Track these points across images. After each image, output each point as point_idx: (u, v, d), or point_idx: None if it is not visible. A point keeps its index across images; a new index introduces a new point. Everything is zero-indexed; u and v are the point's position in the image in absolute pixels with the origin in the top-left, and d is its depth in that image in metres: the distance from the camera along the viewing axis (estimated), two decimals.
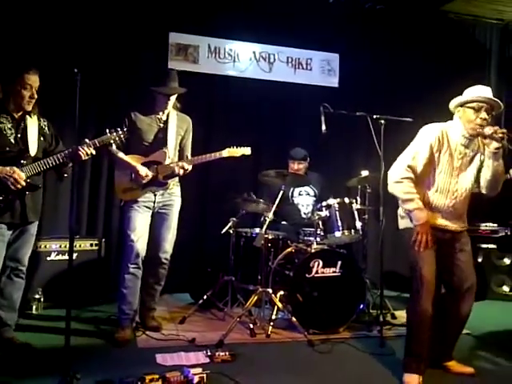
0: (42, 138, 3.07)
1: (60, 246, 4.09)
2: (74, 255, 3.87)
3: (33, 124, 3.04)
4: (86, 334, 3.41)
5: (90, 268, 4.18)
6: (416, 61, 5.39)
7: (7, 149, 2.90)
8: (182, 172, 3.38)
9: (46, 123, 3.14)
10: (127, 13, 4.64)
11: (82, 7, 4.47)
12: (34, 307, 3.84)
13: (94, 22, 4.52)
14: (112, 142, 3.06)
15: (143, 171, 3.33)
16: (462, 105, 2.77)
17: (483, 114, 2.72)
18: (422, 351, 2.77)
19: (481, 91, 2.75)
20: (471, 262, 2.90)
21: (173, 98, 3.44)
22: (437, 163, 2.78)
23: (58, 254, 4.08)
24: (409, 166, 2.77)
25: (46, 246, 4.05)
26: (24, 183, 2.89)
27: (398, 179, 2.78)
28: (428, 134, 2.79)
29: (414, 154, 2.79)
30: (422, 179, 2.82)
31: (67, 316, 2.45)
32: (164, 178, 3.42)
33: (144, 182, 3.36)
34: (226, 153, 3.49)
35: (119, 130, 3.05)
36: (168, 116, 3.49)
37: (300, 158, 4.50)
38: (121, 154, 3.38)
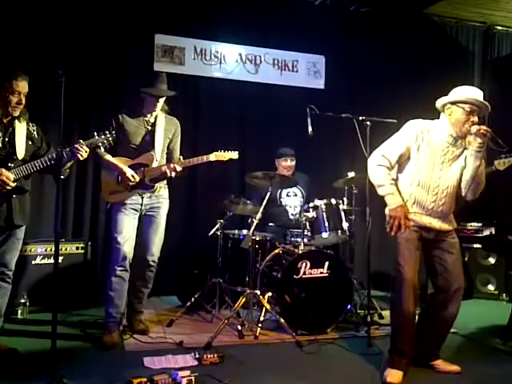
0: (30, 142, 3.04)
1: (45, 250, 4.04)
2: (60, 259, 3.86)
3: (21, 128, 3.01)
4: (72, 338, 3.37)
5: (76, 271, 4.14)
6: (400, 63, 5.45)
7: None
8: (173, 174, 3.37)
9: (34, 128, 3.11)
10: (113, 14, 4.62)
11: (67, 9, 4.44)
12: (19, 312, 3.79)
13: (80, 23, 4.48)
14: (100, 144, 3.04)
15: (130, 173, 3.32)
16: (453, 103, 2.81)
17: (475, 118, 2.77)
18: (404, 348, 2.82)
19: (475, 94, 2.79)
20: (459, 263, 2.93)
21: (161, 100, 3.42)
22: (416, 158, 2.84)
23: (43, 258, 4.04)
24: (383, 155, 2.86)
25: (31, 250, 4.00)
26: (13, 184, 2.86)
27: (373, 166, 2.89)
28: (408, 129, 2.87)
29: (391, 145, 2.88)
30: (404, 173, 2.88)
31: (53, 320, 2.43)
32: (151, 181, 3.40)
33: (131, 184, 3.34)
34: (214, 157, 3.48)
35: (107, 132, 3.03)
36: (156, 118, 3.47)
37: (291, 153, 4.55)
38: (108, 156, 3.35)
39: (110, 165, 3.37)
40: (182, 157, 3.53)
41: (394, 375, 2.76)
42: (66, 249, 4.11)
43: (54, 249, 2.51)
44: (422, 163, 2.83)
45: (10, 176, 2.84)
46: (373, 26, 5.39)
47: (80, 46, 4.50)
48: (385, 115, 3.68)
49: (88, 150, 2.96)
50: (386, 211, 2.90)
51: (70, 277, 4.05)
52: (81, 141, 2.95)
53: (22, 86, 2.91)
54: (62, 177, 3.08)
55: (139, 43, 4.76)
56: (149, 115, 3.45)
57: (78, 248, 4.21)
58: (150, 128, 3.45)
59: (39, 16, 4.36)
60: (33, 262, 4.00)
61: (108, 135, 3.03)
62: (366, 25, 5.37)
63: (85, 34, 4.51)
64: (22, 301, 3.83)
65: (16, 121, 2.99)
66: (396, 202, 2.81)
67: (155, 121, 3.47)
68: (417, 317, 2.96)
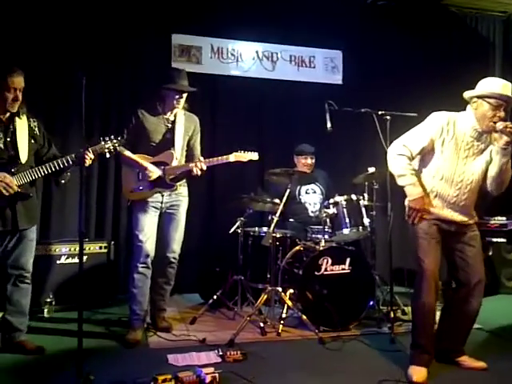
0: (32, 141, 2.99)
1: (69, 250, 4.11)
2: (84, 258, 3.91)
3: (22, 126, 2.96)
4: (97, 336, 3.42)
5: (100, 270, 4.20)
6: (419, 55, 5.39)
7: None
8: (199, 173, 3.36)
9: (35, 123, 3.06)
10: (130, 16, 4.66)
11: (86, 10, 4.49)
12: (45, 310, 3.86)
13: (98, 24, 4.53)
14: (106, 151, 2.97)
15: (150, 168, 3.33)
16: (479, 97, 2.74)
17: (502, 113, 2.71)
18: (426, 343, 2.79)
19: (502, 87, 2.71)
20: (480, 257, 2.89)
21: (184, 96, 3.41)
22: (440, 151, 2.79)
23: (67, 258, 4.10)
24: (405, 145, 2.82)
25: (55, 250, 4.07)
26: (16, 188, 2.83)
27: (394, 155, 2.85)
28: (433, 122, 2.81)
29: (414, 136, 2.84)
30: (428, 166, 2.84)
31: (79, 318, 2.47)
32: (171, 180, 3.43)
33: (151, 179, 3.35)
34: (233, 157, 3.45)
35: (113, 137, 2.97)
36: (175, 116, 3.48)
37: (311, 151, 4.52)
38: (127, 152, 3.36)
39: (129, 161, 3.39)
40: (199, 154, 3.54)
41: (418, 373, 2.72)
42: (89, 248, 4.16)
43: (78, 248, 2.53)
44: (446, 156, 2.78)
45: (13, 180, 2.82)
46: (390, 19, 5.32)
47: (98, 47, 4.55)
48: (404, 109, 3.63)
49: (93, 156, 2.91)
50: (406, 202, 2.87)
51: (93, 276, 4.11)
52: (88, 147, 2.89)
53: (18, 81, 2.87)
54: (62, 181, 3.09)
55: (156, 43, 4.80)
56: (169, 113, 3.46)
57: (101, 247, 4.27)
58: (169, 126, 3.46)
59: (57, 17, 4.41)
60: (57, 262, 4.06)
61: (114, 141, 2.96)
62: (383, 18, 5.31)
63: (103, 34, 4.56)
64: (48, 300, 3.90)
65: (16, 118, 2.94)
66: (417, 192, 2.78)
67: (175, 118, 3.47)
68: (438, 313, 2.93)
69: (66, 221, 4.44)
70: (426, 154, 2.85)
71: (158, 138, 3.43)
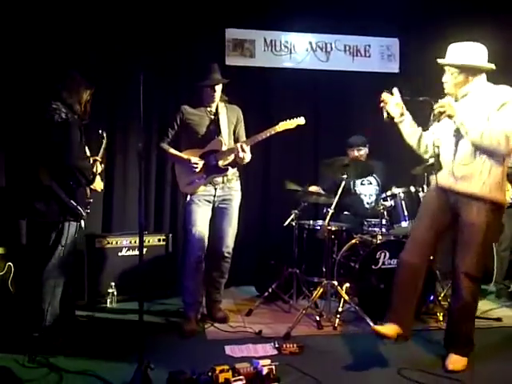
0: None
1: (130, 242, 4.23)
2: (144, 250, 4.03)
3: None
4: (157, 326, 3.53)
5: (159, 262, 4.31)
6: (480, 39, 5.09)
7: None
8: (242, 155, 3.37)
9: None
10: (185, 12, 4.70)
11: (142, 7, 4.57)
12: (108, 301, 4.01)
13: (154, 21, 4.61)
14: None
15: (193, 160, 3.41)
16: None
17: None
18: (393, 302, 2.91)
19: None
20: None
21: (218, 89, 3.46)
22: None
23: (128, 250, 4.22)
24: None
25: (117, 243, 4.20)
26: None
27: None
28: None
29: None
30: None
31: (140, 309, 2.54)
32: (224, 165, 3.47)
33: (196, 170, 3.42)
34: (280, 127, 3.45)
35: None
36: (217, 108, 3.53)
37: (358, 144, 4.41)
38: (171, 150, 3.52)
39: (174, 158, 3.53)
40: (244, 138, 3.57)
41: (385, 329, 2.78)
42: (148, 241, 4.27)
43: (138, 241, 2.61)
44: None
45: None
46: (448, 2, 5.07)
47: (155, 44, 4.62)
48: None
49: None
50: None
51: (153, 267, 4.20)
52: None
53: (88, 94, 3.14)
54: None
55: (210, 38, 4.81)
56: (209, 107, 3.52)
57: (159, 240, 4.38)
58: (213, 117, 3.52)
59: (116, 14, 4.49)
60: (119, 254, 4.19)
61: None
62: (440, 2, 5.06)
63: (159, 31, 4.62)
64: (110, 290, 4.04)
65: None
66: None
67: (217, 110, 3.53)
68: None
69: (127, 214, 4.59)
70: None
71: (203, 130, 3.50)
